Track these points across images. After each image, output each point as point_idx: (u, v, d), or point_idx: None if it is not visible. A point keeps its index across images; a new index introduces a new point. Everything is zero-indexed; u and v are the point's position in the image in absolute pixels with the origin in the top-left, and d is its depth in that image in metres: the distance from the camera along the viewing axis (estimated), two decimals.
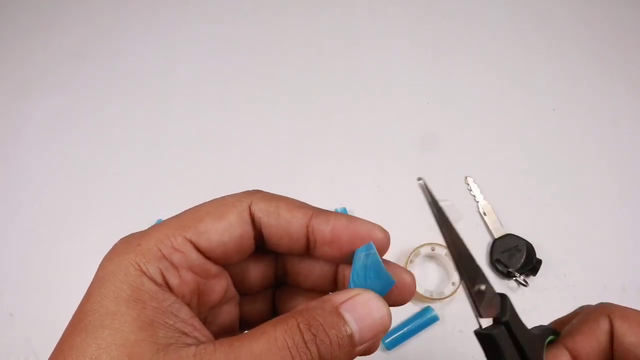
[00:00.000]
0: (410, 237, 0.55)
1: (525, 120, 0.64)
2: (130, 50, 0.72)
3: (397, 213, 0.58)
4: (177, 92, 0.68)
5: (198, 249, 0.20)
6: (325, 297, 0.19)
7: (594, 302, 0.55)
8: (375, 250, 0.20)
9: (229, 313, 0.23)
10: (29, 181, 0.63)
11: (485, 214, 0.57)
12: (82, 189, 0.62)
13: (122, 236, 0.21)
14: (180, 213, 0.21)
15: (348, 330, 0.18)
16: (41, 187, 0.62)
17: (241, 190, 0.23)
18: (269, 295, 0.26)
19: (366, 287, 0.20)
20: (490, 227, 0.56)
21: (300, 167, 0.61)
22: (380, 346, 0.51)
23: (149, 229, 0.20)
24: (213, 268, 0.21)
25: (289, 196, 0.22)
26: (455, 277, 0.52)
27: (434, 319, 0.51)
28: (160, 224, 0.20)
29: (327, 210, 0.22)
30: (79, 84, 0.70)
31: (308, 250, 0.22)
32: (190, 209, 0.21)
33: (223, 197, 0.21)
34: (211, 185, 0.55)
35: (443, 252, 0.53)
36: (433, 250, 0.53)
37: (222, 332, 0.23)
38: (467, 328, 0.52)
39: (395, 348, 0.51)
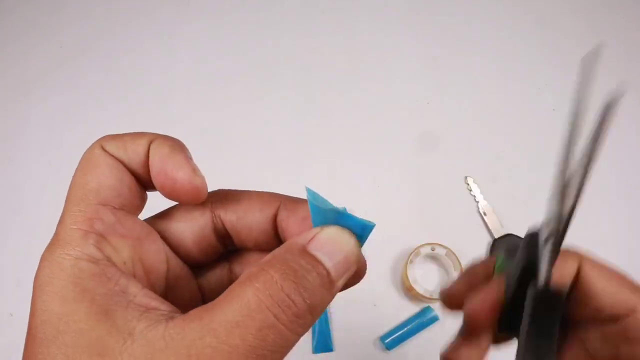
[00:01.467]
0: (410, 237, 0.55)
1: (525, 120, 0.64)
2: (131, 49, 0.72)
3: (397, 213, 0.58)
4: (177, 92, 0.68)
5: (111, 207, 0.19)
6: (287, 242, 0.18)
7: None
8: (317, 196, 0.19)
9: (186, 288, 0.22)
10: (29, 181, 0.63)
11: (485, 214, 0.57)
12: None
13: None
14: (66, 198, 0.19)
15: (324, 268, 0.17)
16: (41, 187, 0.62)
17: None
18: (224, 268, 0.24)
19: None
20: (490, 227, 0.56)
21: (300, 167, 0.61)
22: (380, 346, 0.51)
23: (58, 222, 0.19)
24: (137, 225, 0.20)
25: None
26: (456, 277, 0.52)
27: (434, 319, 0.51)
28: (62, 213, 0.19)
29: (164, 137, 0.21)
30: (79, 84, 0.70)
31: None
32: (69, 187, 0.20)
33: (79, 161, 0.20)
34: (211, 185, 0.55)
35: (443, 252, 0.53)
36: (433, 250, 0.53)
37: (185, 310, 0.21)
38: None
39: (395, 348, 0.51)
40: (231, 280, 0.23)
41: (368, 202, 0.58)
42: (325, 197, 0.20)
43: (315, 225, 0.19)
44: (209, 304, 0.16)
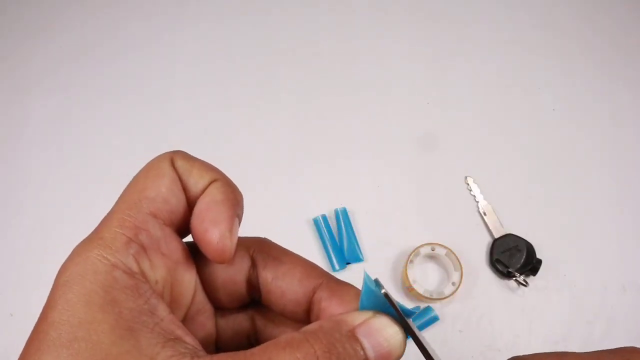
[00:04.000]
0: (410, 237, 0.55)
1: (525, 120, 0.64)
2: (130, 50, 0.72)
3: (397, 213, 0.58)
4: (176, 92, 0.68)
5: (160, 219, 0.18)
6: (338, 318, 0.18)
7: (593, 303, 0.55)
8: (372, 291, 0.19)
9: (203, 325, 0.21)
10: (29, 181, 0.63)
11: (485, 214, 0.57)
12: (82, 189, 0.62)
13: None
14: (121, 194, 0.19)
15: (364, 357, 0.17)
16: (41, 187, 0.62)
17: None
18: (247, 316, 0.23)
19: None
20: (490, 227, 0.56)
21: (300, 167, 0.61)
22: None
23: (103, 218, 0.18)
24: (179, 248, 0.19)
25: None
26: (456, 277, 0.52)
27: (434, 319, 0.51)
28: (111, 210, 0.18)
29: (226, 180, 0.20)
30: (79, 84, 0.70)
31: None
32: (126, 186, 0.19)
33: (146, 164, 0.20)
34: None
35: (443, 252, 0.53)
36: (433, 250, 0.53)
37: (198, 317, 0.21)
38: (467, 328, 0.52)
39: None
40: (252, 329, 0.23)
41: (368, 202, 0.58)
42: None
43: (362, 306, 0.19)
44: (241, 353, 0.16)
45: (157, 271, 0.18)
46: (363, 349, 0.17)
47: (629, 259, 0.55)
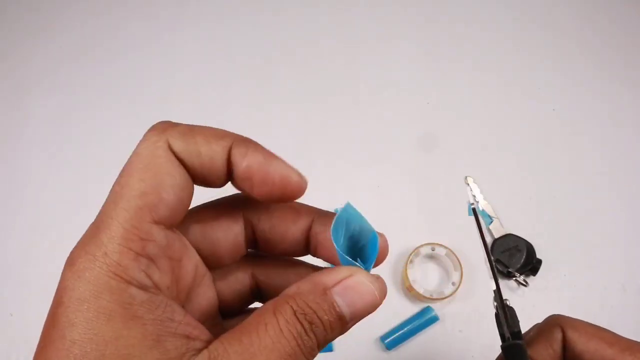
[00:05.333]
0: (410, 237, 0.55)
1: (525, 120, 0.64)
2: (130, 50, 0.72)
3: (397, 213, 0.58)
4: (176, 92, 0.68)
5: (163, 224, 0.18)
6: (316, 277, 0.19)
7: (593, 303, 0.55)
8: (353, 212, 0.21)
9: (204, 296, 0.22)
10: (29, 181, 0.63)
11: None
12: (82, 189, 0.61)
13: (81, 238, 0.18)
14: (114, 192, 0.18)
15: (340, 313, 0.18)
16: (41, 187, 0.62)
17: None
18: (246, 273, 0.24)
19: (353, 254, 0.20)
20: (491, 227, 0.56)
21: (300, 167, 0.61)
22: (380, 346, 0.51)
23: (100, 223, 0.18)
24: (178, 243, 0.19)
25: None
26: (456, 277, 0.52)
27: (434, 319, 0.51)
28: (107, 214, 0.17)
29: (247, 140, 0.20)
30: (79, 84, 0.70)
31: (230, 180, 0.20)
32: (118, 181, 0.18)
33: (137, 152, 0.18)
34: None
35: (443, 252, 0.53)
36: (433, 250, 0.53)
37: (202, 320, 0.21)
38: (467, 328, 0.52)
39: (395, 348, 0.51)
40: (253, 284, 0.24)
41: (368, 202, 0.58)
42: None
43: (341, 248, 0.20)
44: (243, 328, 0.18)
45: (165, 277, 0.18)
46: (337, 305, 0.18)
47: (629, 259, 0.55)
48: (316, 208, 0.23)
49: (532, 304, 0.53)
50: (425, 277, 0.54)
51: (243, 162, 0.19)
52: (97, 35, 0.74)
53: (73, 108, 0.68)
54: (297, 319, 0.17)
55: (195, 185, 0.20)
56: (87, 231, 0.18)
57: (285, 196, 0.20)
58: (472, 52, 0.69)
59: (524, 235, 0.55)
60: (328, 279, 0.19)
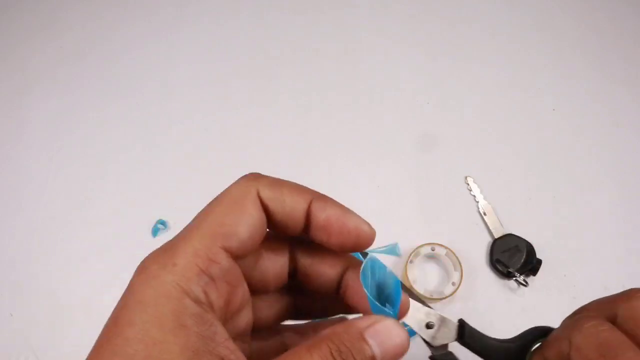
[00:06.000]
0: (410, 237, 0.55)
1: (525, 120, 0.64)
2: (130, 50, 0.72)
3: (397, 213, 0.58)
4: (176, 92, 0.68)
5: (230, 253, 0.20)
6: (350, 322, 0.20)
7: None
8: (377, 263, 0.22)
9: (244, 319, 0.23)
10: (29, 181, 0.63)
11: (485, 214, 0.57)
12: (82, 189, 0.61)
13: (155, 250, 0.20)
14: (198, 217, 0.21)
15: (371, 353, 0.19)
16: (41, 187, 0.62)
17: None
18: (280, 298, 0.26)
19: (380, 300, 0.22)
20: (490, 227, 0.56)
21: (300, 167, 0.61)
22: None
23: (177, 240, 0.20)
24: (238, 272, 0.21)
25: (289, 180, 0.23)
26: (456, 277, 0.52)
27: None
28: (186, 234, 0.20)
29: (325, 196, 0.23)
30: (79, 85, 0.70)
31: (306, 232, 0.23)
32: (204, 210, 0.21)
33: (228, 190, 0.21)
34: (211, 186, 0.55)
35: (443, 252, 0.53)
36: (433, 250, 0.53)
37: (236, 339, 0.23)
38: None
39: None
40: (291, 306, 0.26)
41: (368, 202, 0.58)
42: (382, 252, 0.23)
43: (371, 295, 0.21)
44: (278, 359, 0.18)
45: (221, 299, 0.20)
46: (369, 346, 0.19)
47: (629, 259, 0.55)
48: (352, 256, 0.25)
49: (532, 304, 0.53)
50: (425, 277, 0.54)
51: (323, 214, 0.22)
52: (97, 35, 0.74)
53: (73, 108, 0.68)
54: (332, 355, 0.18)
55: None
56: (164, 244, 0.20)
57: (357, 245, 0.22)
58: (472, 53, 0.69)
59: (524, 235, 0.55)
60: (362, 323, 0.20)
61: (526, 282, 0.52)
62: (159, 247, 0.20)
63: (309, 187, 0.23)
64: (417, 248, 0.53)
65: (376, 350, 0.20)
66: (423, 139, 0.63)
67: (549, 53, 0.69)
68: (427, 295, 0.51)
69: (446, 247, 0.53)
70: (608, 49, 0.69)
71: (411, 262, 0.53)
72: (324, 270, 0.24)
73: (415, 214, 0.58)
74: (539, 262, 0.53)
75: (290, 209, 0.22)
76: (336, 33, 0.72)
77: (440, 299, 0.51)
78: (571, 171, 0.60)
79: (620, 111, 0.64)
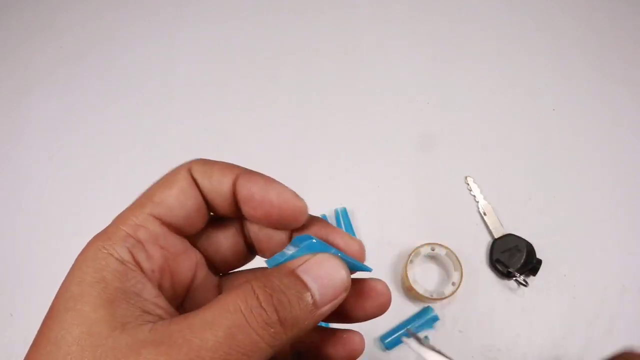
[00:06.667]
0: (410, 237, 0.55)
1: (525, 120, 0.64)
2: (130, 50, 0.72)
3: (397, 213, 0.58)
4: (176, 92, 0.68)
5: (161, 221, 0.21)
6: (281, 264, 0.19)
7: (593, 303, 0.55)
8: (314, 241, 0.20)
9: (206, 298, 0.23)
10: (29, 181, 0.63)
11: (485, 214, 0.57)
12: (82, 189, 0.62)
13: None
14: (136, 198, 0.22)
15: (307, 288, 0.18)
16: (41, 187, 0.62)
17: None
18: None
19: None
20: (490, 227, 0.56)
21: (300, 167, 0.61)
22: (380, 346, 0.51)
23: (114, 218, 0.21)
24: (178, 242, 0.22)
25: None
26: (456, 277, 0.52)
27: (434, 319, 0.51)
28: (121, 212, 0.21)
29: (252, 171, 0.22)
30: (79, 85, 0.70)
31: (238, 210, 0.22)
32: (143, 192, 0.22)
33: (168, 172, 0.22)
34: None
35: (443, 252, 0.53)
36: (433, 250, 0.53)
37: None
38: (467, 328, 0.52)
39: (395, 348, 0.51)
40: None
41: (368, 202, 0.58)
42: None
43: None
44: (199, 309, 0.18)
45: (153, 262, 0.20)
46: (303, 281, 0.18)
47: (629, 259, 0.55)
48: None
49: (532, 304, 0.53)
50: (425, 277, 0.54)
51: (246, 187, 0.21)
52: (97, 35, 0.74)
53: (73, 108, 0.68)
54: (254, 291, 0.17)
55: None
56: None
57: (284, 218, 0.21)
58: (472, 52, 0.69)
59: (524, 235, 0.55)
60: (292, 262, 0.19)
61: (526, 282, 0.52)
62: None
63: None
64: (417, 248, 0.53)
65: (312, 285, 0.18)
66: (423, 139, 0.63)
67: (549, 53, 0.69)
68: (427, 295, 0.51)
69: (446, 247, 0.53)
70: (608, 49, 0.69)
71: (411, 262, 0.53)
72: (271, 233, 0.23)
73: (415, 214, 0.58)
74: (539, 262, 0.53)
75: (218, 182, 0.21)
76: (336, 33, 0.72)
77: (440, 299, 0.51)
78: (571, 171, 0.60)
79: (620, 111, 0.64)
